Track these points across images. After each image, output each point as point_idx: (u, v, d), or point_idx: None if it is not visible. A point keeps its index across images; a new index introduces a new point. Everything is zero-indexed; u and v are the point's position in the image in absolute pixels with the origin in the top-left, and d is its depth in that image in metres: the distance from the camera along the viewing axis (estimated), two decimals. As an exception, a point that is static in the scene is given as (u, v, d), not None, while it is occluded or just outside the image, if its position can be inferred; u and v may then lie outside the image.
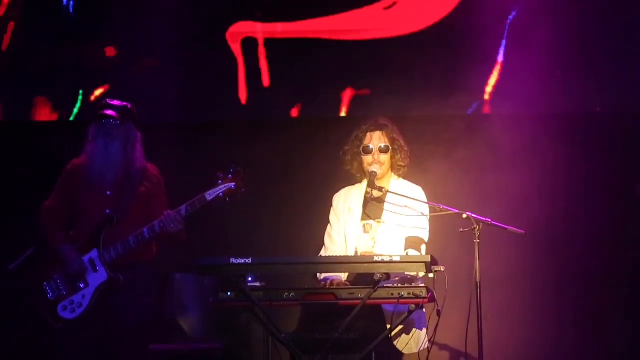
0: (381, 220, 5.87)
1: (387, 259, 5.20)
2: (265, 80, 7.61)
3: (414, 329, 5.66)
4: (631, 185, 7.13)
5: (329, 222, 6.02)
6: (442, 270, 5.25)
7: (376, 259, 5.22)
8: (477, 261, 5.52)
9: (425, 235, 5.86)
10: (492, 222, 5.64)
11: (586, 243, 7.15)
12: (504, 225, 5.65)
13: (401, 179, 5.99)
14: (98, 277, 5.91)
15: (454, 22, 7.47)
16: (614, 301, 7.10)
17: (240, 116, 7.63)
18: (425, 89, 7.40)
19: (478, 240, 5.54)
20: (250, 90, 7.62)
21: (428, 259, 5.22)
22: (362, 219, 5.91)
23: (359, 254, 5.78)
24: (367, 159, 5.91)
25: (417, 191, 5.95)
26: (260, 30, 7.61)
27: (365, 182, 5.97)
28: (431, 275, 5.32)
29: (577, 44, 7.31)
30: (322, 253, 5.97)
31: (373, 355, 5.44)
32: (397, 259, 5.21)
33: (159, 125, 7.54)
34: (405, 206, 5.84)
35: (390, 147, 5.91)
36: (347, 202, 5.98)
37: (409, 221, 5.83)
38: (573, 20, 7.30)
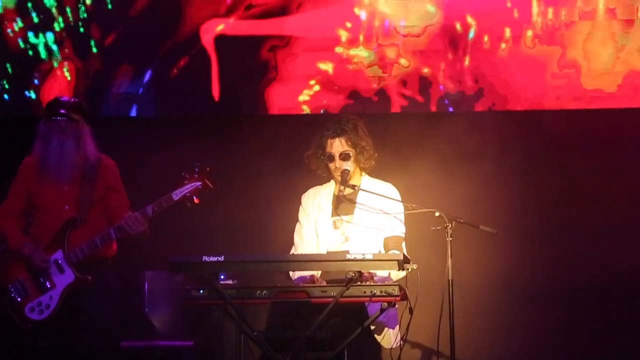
0: (352, 216, 5.88)
1: (359, 257, 5.20)
2: (238, 77, 7.60)
3: (385, 328, 5.68)
4: (608, 184, 7.15)
5: (298, 221, 6.02)
6: (415, 268, 5.27)
7: (348, 257, 5.22)
8: (450, 259, 5.54)
9: (402, 231, 5.87)
10: (464, 220, 5.66)
11: (558, 242, 7.18)
12: (475, 224, 5.67)
13: (372, 178, 5.99)
14: (65, 278, 5.89)
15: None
16: (586, 301, 7.12)
17: (214, 112, 7.61)
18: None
19: (450, 239, 5.57)
20: (224, 86, 7.60)
21: (400, 257, 5.22)
22: (333, 215, 5.92)
23: (328, 252, 5.80)
24: (330, 166, 5.92)
25: (389, 188, 5.95)
26: (232, 26, 7.60)
27: (333, 182, 5.98)
28: (403, 273, 5.32)
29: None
30: (292, 252, 5.98)
31: (345, 353, 5.46)
32: (370, 257, 5.21)
33: (131, 119, 7.53)
34: (380, 210, 5.85)
35: (352, 152, 5.91)
36: (316, 200, 5.99)
37: (383, 220, 5.84)
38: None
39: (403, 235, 5.87)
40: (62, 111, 5.96)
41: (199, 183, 5.87)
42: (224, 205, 6.99)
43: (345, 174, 5.82)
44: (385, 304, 5.24)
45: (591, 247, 7.13)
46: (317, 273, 5.76)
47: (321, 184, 6.08)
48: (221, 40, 7.57)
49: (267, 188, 7.28)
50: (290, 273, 5.82)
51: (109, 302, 5.96)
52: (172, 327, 7.05)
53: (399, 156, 7.19)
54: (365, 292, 5.24)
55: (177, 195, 5.87)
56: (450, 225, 5.58)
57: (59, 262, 5.90)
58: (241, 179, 7.31)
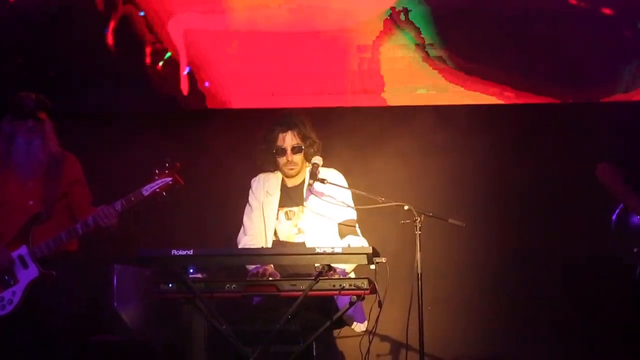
0: (304, 206, 5.92)
1: (329, 250, 5.20)
2: (207, 72, 7.59)
3: (354, 322, 5.72)
4: (573, 176, 7.19)
5: (248, 204, 6.06)
6: (384, 261, 5.27)
7: (318, 250, 5.22)
8: (419, 252, 5.54)
9: (354, 214, 5.94)
10: (433, 213, 5.68)
11: (525, 234, 7.22)
12: (444, 217, 5.69)
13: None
14: (29, 273, 5.85)
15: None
16: (553, 292, 7.18)
17: (183, 107, 7.60)
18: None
19: (419, 232, 5.57)
20: (192, 81, 7.59)
21: (370, 250, 5.23)
22: (281, 204, 5.97)
23: (280, 241, 5.87)
24: (281, 160, 5.95)
25: (335, 175, 5.99)
26: (200, 21, 7.58)
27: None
28: (373, 266, 5.33)
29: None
30: (240, 233, 6.03)
31: (314, 346, 5.47)
32: (339, 250, 5.21)
33: (97, 115, 7.50)
34: (330, 196, 5.88)
35: (303, 146, 5.96)
36: (265, 186, 6.05)
37: (334, 207, 5.88)
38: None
39: (355, 218, 5.93)
40: (31, 113, 5.92)
41: (170, 179, 5.87)
42: (191, 199, 6.98)
43: (315, 167, 5.84)
44: (355, 297, 5.26)
45: (557, 239, 7.18)
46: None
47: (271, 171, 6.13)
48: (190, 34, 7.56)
49: (234, 182, 7.27)
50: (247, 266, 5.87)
51: (74, 297, 5.94)
52: (141, 321, 7.03)
53: (366, 150, 7.21)
54: (334, 286, 5.25)
55: (147, 190, 5.86)
56: (419, 218, 5.59)
57: (23, 257, 5.86)
58: (209, 173, 7.30)
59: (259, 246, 5.88)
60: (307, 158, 6.00)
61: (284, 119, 6.00)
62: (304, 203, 5.94)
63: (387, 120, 7.32)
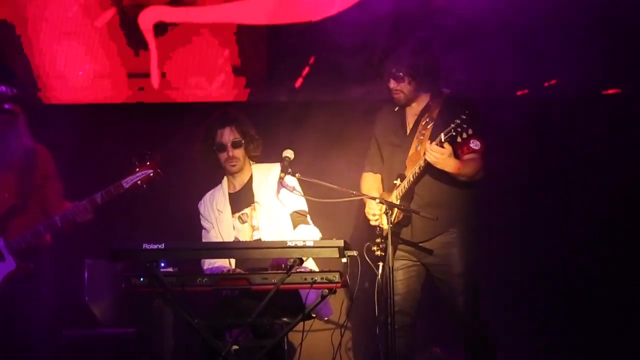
0: (254, 204, 5.94)
1: (300, 244, 5.21)
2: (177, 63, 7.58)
3: (324, 317, 5.75)
4: (550, 170, 7.23)
5: (203, 228, 6.07)
6: (356, 254, 5.28)
7: (290, 244, 5.23)
8: (390, 246, 5.56)
9: (304, 205, 5.97)
10: (405, 207, 5.70)
11: (496, 227, 7.25)
12: (416, 211, 5.70)
13: (260, 163, 6.11)
14: (5, 266, 5.84)
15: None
16: (528, 288, 7.21)
17: (154, 99, 7.59)
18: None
19: (391, 225, 5.59)
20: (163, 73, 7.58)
21: (341, 243, 5.23)
22: (233, 211, 5.99)
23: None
24: (222, 156, 5.98)
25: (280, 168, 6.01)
26: (170, 13, 7.57)
27: (225, 179, 6.06)
28: (344, 259, 5.34)
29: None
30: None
31: (286, 339, 5.48)
32: (311, 244, 5.22)
33: (75, 106, 7.47)
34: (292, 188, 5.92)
35: (243, 141, 5.97)
36: (213, 205, 6.06)
37: (285, 198, 5.91)
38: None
39: (306, 209, 5.96)
40: (4, 106, 5.91)
41: (151, 171, 5.88)
42: (162, 193, 6.96)
43: (286, 160, 5.85)
44: (326, 290, 5.26)
45: (526, 237, 7.22)
46: (225, 262, 5.86)
47: (214, 187, 6.15)
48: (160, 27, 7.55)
49: (205, 177, 7.27)
50: (204, 263, 5.89)
51: (47, 290, 5.93)
52: (113, 316, 7.02)
53: (339, 141, 7.21)
54: (306, 279, 5.26)
55: (127, 182, 5.86)
56: (390, 211, 5.61)
57: (0, 249, 5.84)
58: (180, 167, 7.28)
59: (223, 261, 5.90)
60: (249, 154, 6.03)
61: (220, 116, 6.03)
62: (257, 200, 5.96)
63: (357, 115, 7.32)
